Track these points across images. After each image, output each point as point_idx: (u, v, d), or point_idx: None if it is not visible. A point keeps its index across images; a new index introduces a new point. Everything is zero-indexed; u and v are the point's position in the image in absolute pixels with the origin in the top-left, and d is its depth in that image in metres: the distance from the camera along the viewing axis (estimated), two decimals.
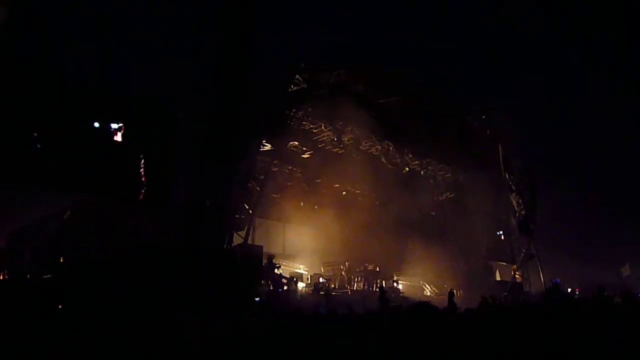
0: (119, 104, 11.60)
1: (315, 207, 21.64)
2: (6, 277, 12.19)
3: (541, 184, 20.51)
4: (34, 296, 8.87)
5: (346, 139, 18.31)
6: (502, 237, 21.48)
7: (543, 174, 21.47)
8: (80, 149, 10.69)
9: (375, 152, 19.36)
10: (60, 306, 8.40)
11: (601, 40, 23.07)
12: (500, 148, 20.38)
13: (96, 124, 11.06)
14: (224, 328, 6.80)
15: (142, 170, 11.78)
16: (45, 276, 11.20)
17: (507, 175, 20.15)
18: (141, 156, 11.74)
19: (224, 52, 12.18)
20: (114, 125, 11.35)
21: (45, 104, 10.24)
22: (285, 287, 15.37)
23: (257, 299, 11.38)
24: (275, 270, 15.12)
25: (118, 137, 11.43)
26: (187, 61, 12.63)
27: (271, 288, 14.70)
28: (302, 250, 21.80)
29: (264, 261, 15.23)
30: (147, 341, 6.60)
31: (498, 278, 21.57)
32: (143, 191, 11.83)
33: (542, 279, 17.33)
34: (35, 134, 9.88)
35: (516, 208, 20.20)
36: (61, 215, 13.09)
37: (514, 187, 20.11)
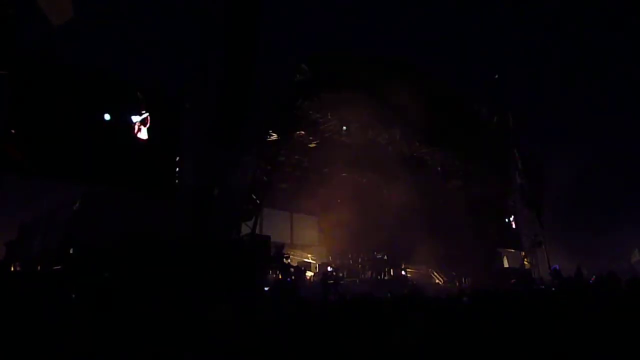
0: (127, 94, 11.59)
1: (323, 196, 21.69)
2: (18, 268, 12.31)
3: (550, 170, 20.38)
4: (44, 287, 8.94)
5: (353, 127, 18.23)
6: (513, 225, 21.43)
7: (553, 160, 21.34)
8: (89, 139, 10.72)
9: (382, 140, 19.28)
10: (70, 296, 8.47)
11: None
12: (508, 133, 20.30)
13: (107, 116, 11.05)
14: (233, 317, 6.83)
15: (150, 160, 11.81)
16: (55, 267, 11.29)
17: (515, 160, 20.06)
18: (150, 146, 11.76)
19: (230, 41, 12.12)
20: (135, 118, 11.41)
21: (54, 93, 10.26)
22: (293, 277, 15.45)
23: (266, 288, 11.43)
24: (284, 260, 15.20)
25: (143, 134, 11.52)
26: (192, 50, 12.59)
27: (280, 277, 14.79)
28: (310, 240, 21.91)
29: (273, 251, 15.33)
30: (155, 329, 6.64)
31: (506, 265, 21.55)
32: (151, 181, 11.86)
33: (548, 266, 17.29)
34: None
35: (523, 194, 20.12)
36: (70, 206, 13.19)
37: (521, 173, 19.98)
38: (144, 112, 11.62)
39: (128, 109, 11.37)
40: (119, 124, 11.16)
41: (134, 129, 11.49)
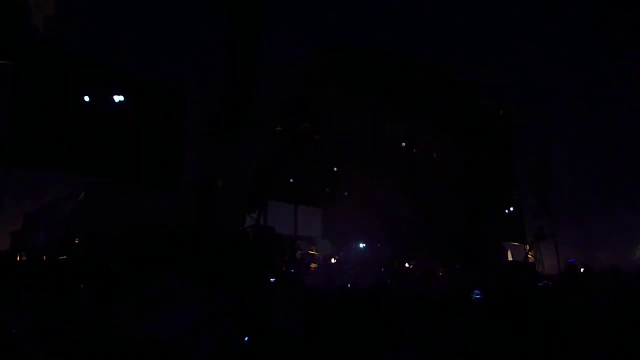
0: (130, 86, 11.57)
1: (327, 189, 21.68)
2: (23, 258, 12.36)
3: (557, 165, 20.28)
4: (50, 277, 8.98)
5: (360, 121, 18.18)
6: (514, 217, 21.38)
7: (559, 155, 21.22)
8: (92, 130, 10.73)
9: (389, 134, 19.24)
10: (76, 287, 8.51)
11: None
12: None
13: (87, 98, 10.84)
14: (241, 308, 6.85)
15: (154, 151, 11.81)
16: (61, 257, 11.34)
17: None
18: (153, 138, 11.75)
19: (235, 32, 12.06)
20: (117, 98, 11.20)
21: (54, 83, 10.25)
22: (297, 269, 15.48)
23: (272, 279, 11.46)
24: (297, 254, 15.29)
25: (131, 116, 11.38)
26: (196, 42, 12.54)
27: (284, 269, 14.83)
28: (314, 232, 21.93)
29: (286, 243, 15.42)
30: (159, 320, 6.66)
31: (510, 259, 21.50)
32: (155, 173, 11.88)
33: (557, 259, 17.22)
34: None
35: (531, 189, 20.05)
36: (76, 197, 13.21)
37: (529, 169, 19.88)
38: (127, 92, 11.44)
39: (109, 90, 11.18)
40: (102, 108, 11.00)
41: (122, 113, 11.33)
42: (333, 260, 18.57)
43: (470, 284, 9.77)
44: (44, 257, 12.17)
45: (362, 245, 20.20)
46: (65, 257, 11.30)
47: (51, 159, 10.47)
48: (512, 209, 21.39)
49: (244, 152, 12.62)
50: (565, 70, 23.21)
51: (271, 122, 14.79)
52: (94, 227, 11.82)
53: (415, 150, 20.68)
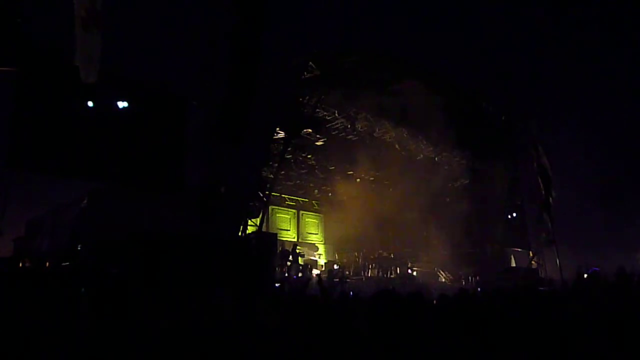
0: (133, 91, 11.61)
1: (329, 194, 21.72)
2: (26, 265, 12.38)
3: (558, 169, 20.18)
4: (53, 283, 8.99)
5: (360, 126, 18.18)
6: (517, 222, 21.32)
7: (564, 158, 21.14)
8: (95, 135, 10.77)
9: (389, 138, 19.23)
10: (79, 293, 8.51)
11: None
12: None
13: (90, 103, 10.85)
14: (241, 314, 6.83)
15: (156, 157, 11.83)
16: (64, 264, 11.36)
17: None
18: (155, 143, 11.78)
19: (236, 37, 12.09)
20: (121, 104, 11.23)
21: (57, 88, 10.27)
22: (299, 274, 15.47)
23: (276, 285, 11.47)
24: (299, 260, 15.28)
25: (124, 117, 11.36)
26: (198, 47, 12.60)
27: (286, 275, 14.83)
28: (316, 237, 21.94)
29: (284, 249, 15.39)
30: (163, 327, 6.65)
31: (514, 264, 21.41)
32: (158, 178, 11.89)
33: (558, 265, 17.08)
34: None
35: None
36: (78, 203, 13.24)
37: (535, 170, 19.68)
38: (130, 98, 11.45)
39: (112, 96, 11.18)
40: (119, 120, 11.06)
41: (125, 118, 11.34)
42: (335, 266, 18.54)
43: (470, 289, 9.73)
44: (47, 264, 12.18)
45: (364, 251, 20.19)
46: (67, 263, 11.32)
47: (54, 165, 10.50)
48: (514, 214, 21.35)
49: (245, 156, 12.63)
50: (566, 74, 23.23)
51: (274, 127, 14.79)
52: (96, 233, 11.85)
53: (420, 157, 20.68)
